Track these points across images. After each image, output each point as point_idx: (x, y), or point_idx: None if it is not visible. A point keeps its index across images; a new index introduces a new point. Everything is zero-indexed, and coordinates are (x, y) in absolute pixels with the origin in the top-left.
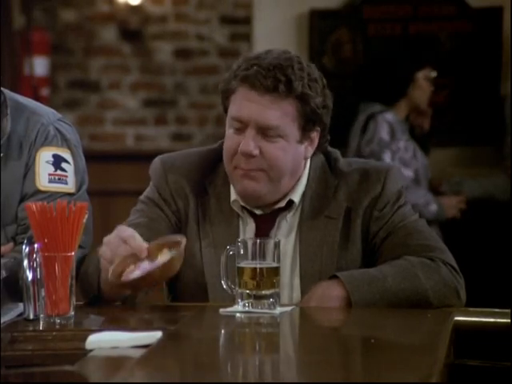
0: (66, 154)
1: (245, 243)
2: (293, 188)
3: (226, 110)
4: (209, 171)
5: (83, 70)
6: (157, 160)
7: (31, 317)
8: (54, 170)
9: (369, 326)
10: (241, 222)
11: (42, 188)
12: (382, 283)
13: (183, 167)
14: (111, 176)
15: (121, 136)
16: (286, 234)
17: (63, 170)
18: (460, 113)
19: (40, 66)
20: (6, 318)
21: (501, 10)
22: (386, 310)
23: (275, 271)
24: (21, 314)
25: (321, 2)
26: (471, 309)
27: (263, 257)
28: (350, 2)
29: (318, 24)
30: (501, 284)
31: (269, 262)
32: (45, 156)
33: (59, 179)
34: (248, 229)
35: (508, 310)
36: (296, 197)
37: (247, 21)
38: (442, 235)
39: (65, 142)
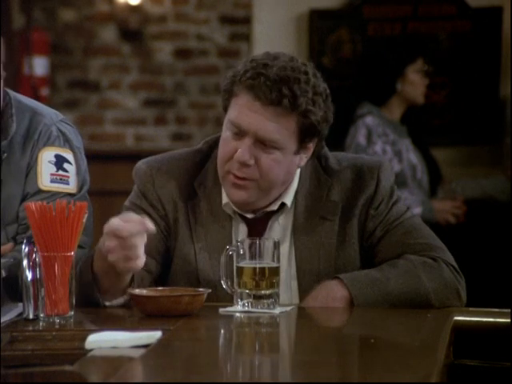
0: (68, 155)
1: (244, 243)
2: (285, 191)
3: (225, 109)
4: (197, 173)
5: (83, 69)
6: (142, 164)
7: (31, 317)
8: (55, 170)
9: (369, 326)
10: (233, 225)
11: (43, 188)
12: (385, 286)
13: (171, 171)
14: (111, 176)
15: (121, 136)
16: (279, 235)
17: (65, 170)
18: (459, 112)
19: (40, 65)
20: (5, 318)
21: (501, 10)
22: (386, 310)
23: (275, 271)
24: (20, 314)
25: (321, 2)
26: (471, 309)
27: (262, 257)
28: (350, 2)
29: (318, 24)
30: (501, 284)
31: (268, 262)
32: (47, 156)
33: (61, 179)
34: (240, 232)
35: (508, 310)
36: (288, 199)
37: (247, 21)
38: (439, 235)
39: (67, 143)
